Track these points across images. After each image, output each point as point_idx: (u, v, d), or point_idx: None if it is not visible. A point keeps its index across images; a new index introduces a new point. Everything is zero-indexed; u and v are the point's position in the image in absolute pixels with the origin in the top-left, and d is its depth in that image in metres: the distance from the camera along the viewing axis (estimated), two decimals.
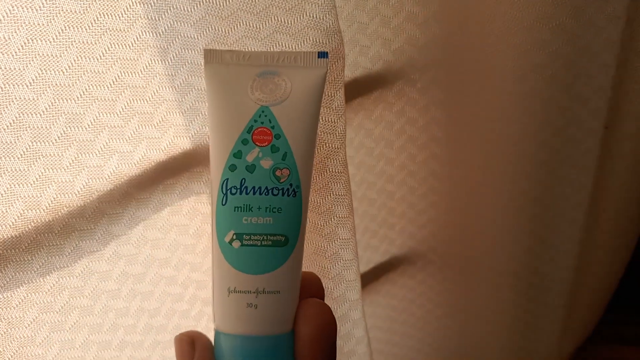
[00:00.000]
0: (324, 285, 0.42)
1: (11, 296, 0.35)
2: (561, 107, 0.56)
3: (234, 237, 0.30)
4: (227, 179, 0.31)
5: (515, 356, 0.81)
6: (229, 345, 0.30)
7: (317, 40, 0.36)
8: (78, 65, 0.33)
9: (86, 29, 0.32)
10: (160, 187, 0.38)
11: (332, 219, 0.41)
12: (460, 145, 0.61)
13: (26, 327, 0.36)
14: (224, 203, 0.31)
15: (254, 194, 0.30)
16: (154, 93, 0.36)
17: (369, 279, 0.67)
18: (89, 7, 0.32)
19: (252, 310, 0.30)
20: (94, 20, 0.32)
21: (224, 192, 0.31)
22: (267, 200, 0.31)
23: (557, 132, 0.59)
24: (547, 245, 0.69)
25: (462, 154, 0.62)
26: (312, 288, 0.33)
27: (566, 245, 0.69)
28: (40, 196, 0.34)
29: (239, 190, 0.30)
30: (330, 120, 0.38)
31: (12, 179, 0.33)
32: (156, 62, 0.35)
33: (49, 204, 0.34)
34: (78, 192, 0.35)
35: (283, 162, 0.31)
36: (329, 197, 0.40)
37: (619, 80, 0.55)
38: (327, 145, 0.39)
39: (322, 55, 0.32)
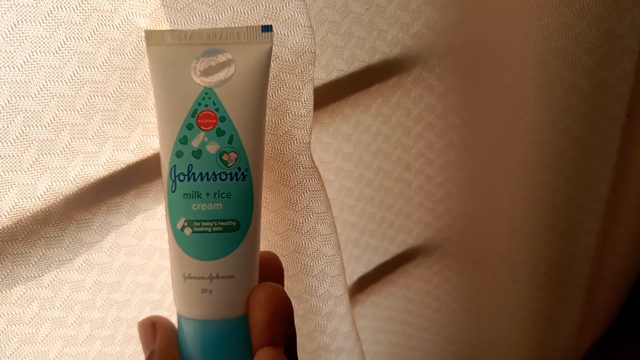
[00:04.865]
0: (307, 284, 0.41)
1: None
2: (584, 93, 0.53)
3: (185, 224, 0.30)
4: (175, 165, 0.30)
5: (532, 350, 0.79)
6: (189, 328, 0.31)
7: (277, 32, 0.34)
8: (34, 61, 0.30)
9: (40, 23, 0.30)
10: (133, 191, 0.35)
11: (311, 216, 0.39)
12: (479, 132, 0.59)
13: None
14: (173, 190, 0.30)
15: (202, 180, 0.30)
16: (116, 89, 0.33)
17: (386, 270, 0.66)
18: (42, 0, 0.29)
19: (207, 295, 0.30)
20: (48, 14, 0.30)
21: (173, 179, 0.30)
22: (215, 185, 0.30)
23: (580, 120, 0.55)
24: (566, 238, 0.66)
25: (481, 141, 0.59)
26: (269, 267, 0.33)
27: (586, 238, 0.67)
28: (1, 201, 0.31)
29: (186, 176, 0.30)
30: (299, 114, 0.36)
31: None
32: (115, 55, 0.32)
33: (10, 209, 0.32)
34: (41, 195, 0.32)
35: (229, 146, 0.30)
36: (305, 194, 0.38)
37: None
38: (298, 140, 0.37)
39: (266, 29, 0.31)
